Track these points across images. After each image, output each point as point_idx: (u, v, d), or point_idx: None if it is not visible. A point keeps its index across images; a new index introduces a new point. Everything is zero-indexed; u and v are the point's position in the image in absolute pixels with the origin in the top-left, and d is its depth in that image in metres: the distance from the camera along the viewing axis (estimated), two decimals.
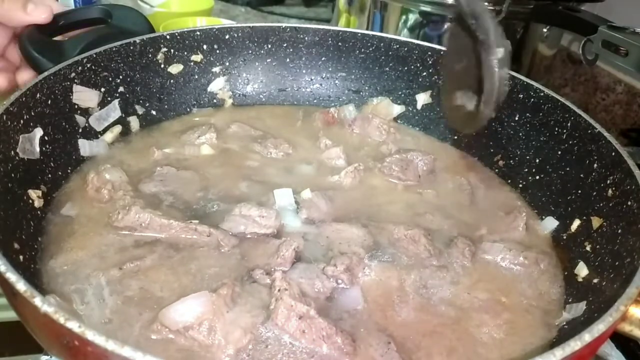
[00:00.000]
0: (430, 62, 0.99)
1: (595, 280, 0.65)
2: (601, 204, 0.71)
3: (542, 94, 0.86)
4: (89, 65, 0.81)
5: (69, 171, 0.78)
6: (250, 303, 0.60)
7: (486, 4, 1.19)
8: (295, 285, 0.61)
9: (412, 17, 1.26)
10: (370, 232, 0.73)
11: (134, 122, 0.91)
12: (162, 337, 0.55)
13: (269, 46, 1.03)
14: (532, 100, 0.87)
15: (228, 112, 1.02)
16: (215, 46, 0.99)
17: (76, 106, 0.80)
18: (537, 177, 0.85)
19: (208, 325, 0.55)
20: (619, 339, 0.77)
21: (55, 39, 0.86)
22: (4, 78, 0.85)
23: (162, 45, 0.92)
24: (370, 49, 1.03)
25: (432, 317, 0.63)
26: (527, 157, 0.88)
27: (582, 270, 0.68)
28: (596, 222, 0.71)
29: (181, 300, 0.57)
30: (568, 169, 0.80)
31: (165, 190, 0.77)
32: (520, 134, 0.89)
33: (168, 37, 0.93)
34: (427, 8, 1.23)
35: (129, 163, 0.83)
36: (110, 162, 0.81)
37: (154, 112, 0.93)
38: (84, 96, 0.81)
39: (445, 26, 1.24)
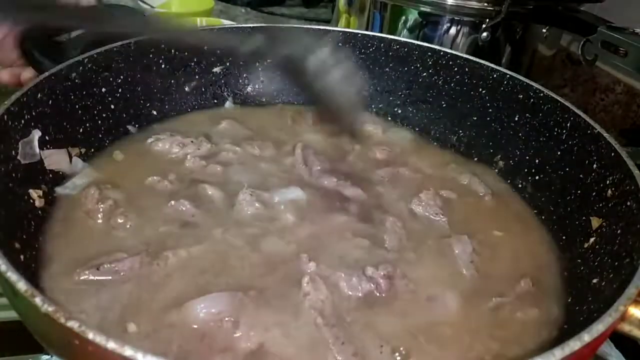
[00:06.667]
0: (430, 62, 0.99)
1: (594, 281, 0.65)
2: (600, 204, 0.72)
3: (541, 95, 0.86)
4: (89, 66, 0.81)
5: None
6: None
7: (486, 4, 1.19)
8: None
9: (412, 18, 1.26)
10: None
11: (131, 128, 0.90)
12: (184, 328, 0.56)
13: None
14: (532, 100, 0.87)
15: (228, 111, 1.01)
16: None
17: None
18: (537, 177, 0.85)
19: (232, 319, 0.56)
20: (619, 339, 0.77)
21: (56, 39, 0.86)
22: (9, 74, 0.85)
23: (162, 46, 0.92)
24: (370, 50, 1.03)
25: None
26: (527, 158, 0.88)
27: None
28: (595, 222, 0.71)
29: (206, 296, 0.58)
30: (567, 169, 0.80)
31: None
32: (520, 135, 0.90)
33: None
34: (426, 8, 1.23)
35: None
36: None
37: (154, 112, 0.93)
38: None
39: (445, 26, 1.24)
